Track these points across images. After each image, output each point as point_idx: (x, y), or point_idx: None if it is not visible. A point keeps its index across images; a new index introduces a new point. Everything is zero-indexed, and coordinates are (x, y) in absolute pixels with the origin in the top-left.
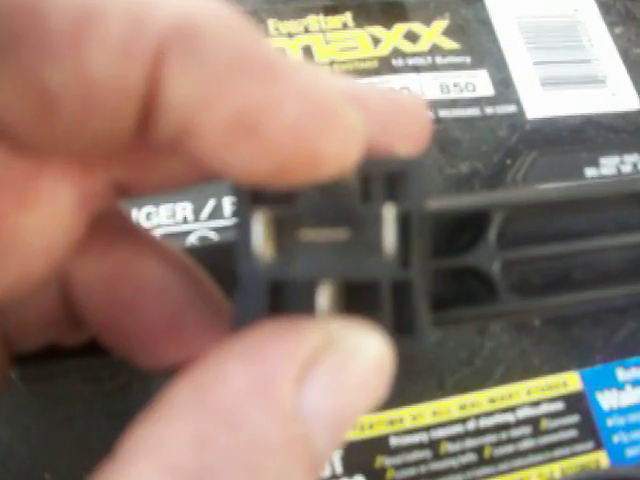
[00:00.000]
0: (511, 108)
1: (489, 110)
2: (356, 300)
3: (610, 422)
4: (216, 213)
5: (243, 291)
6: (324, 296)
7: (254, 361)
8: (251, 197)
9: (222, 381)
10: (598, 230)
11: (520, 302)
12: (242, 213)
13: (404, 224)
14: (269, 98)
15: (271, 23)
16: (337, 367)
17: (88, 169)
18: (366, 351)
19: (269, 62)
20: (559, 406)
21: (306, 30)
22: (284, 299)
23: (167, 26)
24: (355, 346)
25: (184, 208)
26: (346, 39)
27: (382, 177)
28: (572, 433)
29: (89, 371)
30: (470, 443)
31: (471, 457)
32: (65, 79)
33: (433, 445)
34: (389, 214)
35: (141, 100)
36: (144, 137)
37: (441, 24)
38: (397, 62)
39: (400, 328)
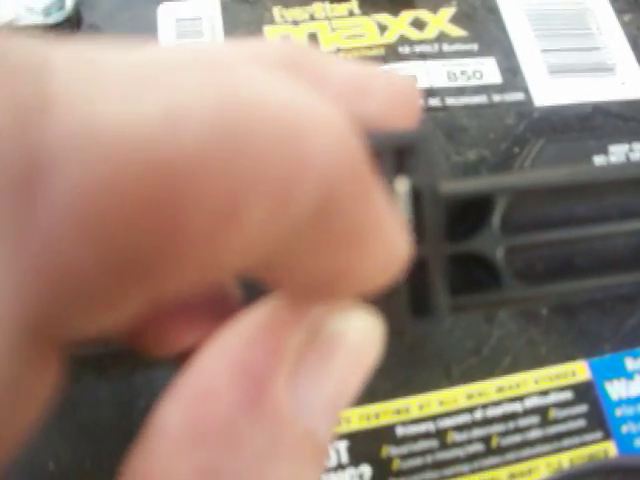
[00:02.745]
0: (519, 96)
1: (497, 98)
2: None
3: (619, 412)
4: None
5: (250, 285)
6: None
7: (241, 371)
8: None
9: (212, 401)
10: (604, 216)
11: (524, 289)
12: None
13: (416, 200)
14: (348, 266)
15: (276, 10)
16: (324, 357)
17: None
18: (351, 332)
19: (360, 230)
20: (567, 396)
21: (312, 17)
22: None
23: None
24: (339, 331)
25: None
26: (352, 27)
27: (390, 152)
28: (580, 423)
29: (92, 359)
30: (477, 433)
31: (478, 447)
32: (184, 286)
33: (440, 435)
34: (401, 188)
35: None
36: None
37: (448, 11)
38: (404, 49)
39: (417, 308)
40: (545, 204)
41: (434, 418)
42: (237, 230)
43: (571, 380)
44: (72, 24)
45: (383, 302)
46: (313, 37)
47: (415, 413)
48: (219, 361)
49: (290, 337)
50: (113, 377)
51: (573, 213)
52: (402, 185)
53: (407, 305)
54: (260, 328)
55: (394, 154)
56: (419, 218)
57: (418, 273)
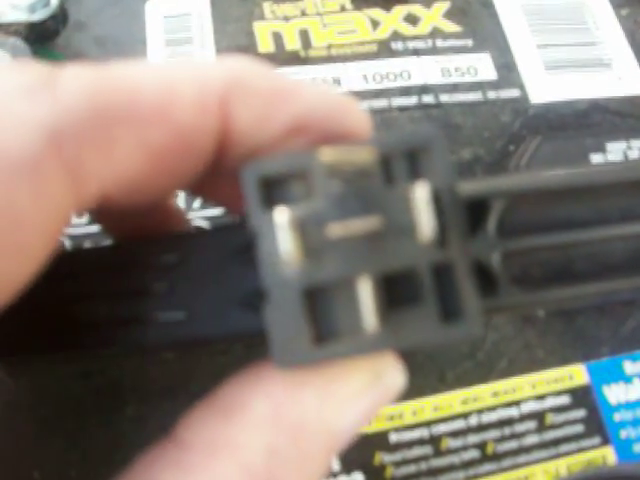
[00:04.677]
0: (514, 92)
1: (492, 95)
2: (398, 291)
3: (617, 417)
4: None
5: (275, 305)
6: (366, 295)
7: (327, 395)
8: (267, 198)
9: (297, 403)
10: (603, 219)
11: (522, 295)
12: (261, 217)
13: (434, 203)
14: (312, 104)
15: (267, 6)
16: (379, 399)
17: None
18: (395, 383)
19: (292, 86)
20: (565, 400)
21: (303, 13)
22: (321, 305)
23: (224, 82)
24: (394, 381)
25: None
26: (344, 22)
27: (402, 155)
28: (578, 428)
29: (78, 367)
30: (472, 439)
31: (473, 453)
32: (164, 137)
33: (434, 441)
34: (423, 191)
35: (220, 135)
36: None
37: (442, 6)
38: (397, 45)
39: (447, 315)
40: (542, 208)
41: (428, 424)
42: (180, 103)
43: (568, 384)
44: (57, 21)
45: (410, 314)
46: (304, 34)
47: (409, 419)
48: (311, 380)
49: (361, 379)
50: (99, 385)
51: (571, 216)
52: (422, 190)
53: (435, 313)
54: (345, 365)
55: (406, 157)
56: (440, 222)
57: (445, 279)
